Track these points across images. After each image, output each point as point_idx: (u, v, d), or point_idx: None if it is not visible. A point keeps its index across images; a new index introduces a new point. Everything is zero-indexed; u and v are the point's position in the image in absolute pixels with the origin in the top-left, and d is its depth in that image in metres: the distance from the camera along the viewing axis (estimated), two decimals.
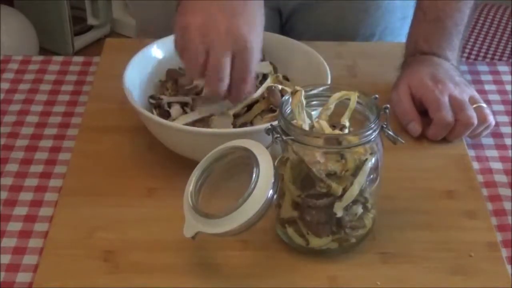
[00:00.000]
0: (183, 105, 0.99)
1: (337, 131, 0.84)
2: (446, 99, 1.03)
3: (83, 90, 1.16)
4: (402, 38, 1.19)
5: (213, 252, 0.88)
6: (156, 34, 1.09)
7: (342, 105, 0.86)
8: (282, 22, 1.31)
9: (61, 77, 1.19)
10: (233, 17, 0.92)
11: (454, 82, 1.05)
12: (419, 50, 1.11)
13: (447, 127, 1.03)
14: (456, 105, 1.03)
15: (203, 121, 0.97)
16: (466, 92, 1.05)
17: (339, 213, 0.84)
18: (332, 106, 0.86)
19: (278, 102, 0.94)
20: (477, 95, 1.06)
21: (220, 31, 0.90)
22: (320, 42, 1.16)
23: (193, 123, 0.96)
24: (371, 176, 0.84)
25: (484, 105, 1.04)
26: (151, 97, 1.00)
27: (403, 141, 0.85)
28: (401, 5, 1.28)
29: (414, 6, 1.17)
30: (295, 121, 0.84)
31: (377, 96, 0.85)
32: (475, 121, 1.02)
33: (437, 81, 1.04)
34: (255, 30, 0.94)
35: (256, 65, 0.95)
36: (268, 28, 1.14)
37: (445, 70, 1.07)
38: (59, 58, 1.23)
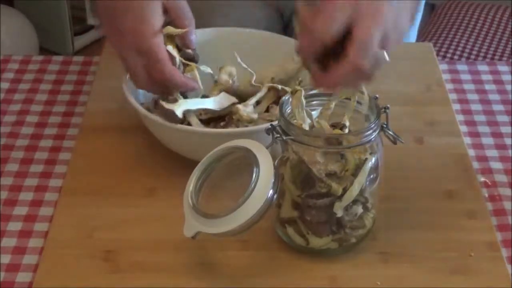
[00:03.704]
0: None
1: (337, 131, 0.84)
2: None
3: (83, 90, 1.16)
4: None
5: (213, 252, 0.88)
6: None
7: (342, 105, 0.86)
8: (284, 24, 1.31)
9: (61, 77, 1.19)
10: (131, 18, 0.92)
11: (398, 8, 0.80)
12: None
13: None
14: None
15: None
16: (393, 31, 0.80)
17: (339, 213, 0.84)
18: (332, 106, 0.86)
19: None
20: (396, 40, 0.81)
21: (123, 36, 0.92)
22: None
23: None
24: (371, 176, 0.84)
25: (385, 55, 0.80)
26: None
27: (403, 141, 0.85)
28: None
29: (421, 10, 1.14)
30: (295, 121, 0.84)
31: (377, 96, 0.85)
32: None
33: None
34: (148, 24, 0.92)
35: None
36: (270, 29, 1.14)
37: None
38: (59, 58, 1.23)
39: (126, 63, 0.94)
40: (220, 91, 0.99)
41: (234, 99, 0.98)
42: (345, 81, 0.79)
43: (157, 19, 0.93)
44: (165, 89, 0.95)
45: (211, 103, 0.97)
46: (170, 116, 0.92)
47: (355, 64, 0.77)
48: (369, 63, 0.77)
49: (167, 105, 0.92)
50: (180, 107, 0.93)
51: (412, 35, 1.33)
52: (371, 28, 0.77)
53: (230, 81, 0.99)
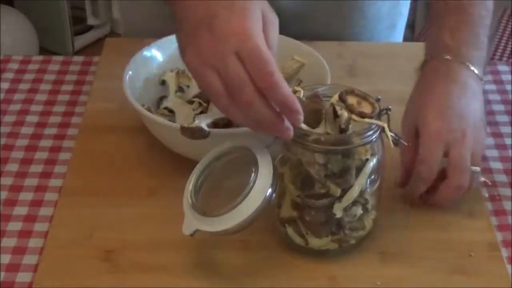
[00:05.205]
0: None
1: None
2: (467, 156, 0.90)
3: (83, 90, 1.16)
4: None
5: (213, 252, 0.88)
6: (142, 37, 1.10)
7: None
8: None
9: (61, 77, 1.19)
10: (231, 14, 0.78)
11: (474, 126, 0.91)
12: (443, 45, 0.96)
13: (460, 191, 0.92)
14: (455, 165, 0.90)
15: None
16: (478, 147, 0.92)
17: (339, 214, 0.84)
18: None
19: None
20: (481, 153, 0.93)
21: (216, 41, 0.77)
22: (320, 42, 1.16)
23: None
24: (372, 177, 0.84)
25: (479, 169, 0.92)
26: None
27: (405, 143, 0.85)
28: (388, 13, 1.26)
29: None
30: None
31: (379, 97, 0.85)
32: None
33: (458, 126, 0.90)
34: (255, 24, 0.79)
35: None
36: None
37: (470, 98, 0.93)
38: (59, 58, 1.23)
39: (224, 77, 0.76)
40: None
41: None
42: (449, 201, 0.92)
43: (259, 16, 0.80)
44: (269, 114, 0.78)
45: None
46: (199, 133, 0.86)
47: (456, 185, 0.90)
48: (467, 180, 0.90)
49: (191, 124, 0.87)
50: (202, 122, 0.88)
51: (398, 35, 1.32)
52: (462, 151, 0.89)
53: None
